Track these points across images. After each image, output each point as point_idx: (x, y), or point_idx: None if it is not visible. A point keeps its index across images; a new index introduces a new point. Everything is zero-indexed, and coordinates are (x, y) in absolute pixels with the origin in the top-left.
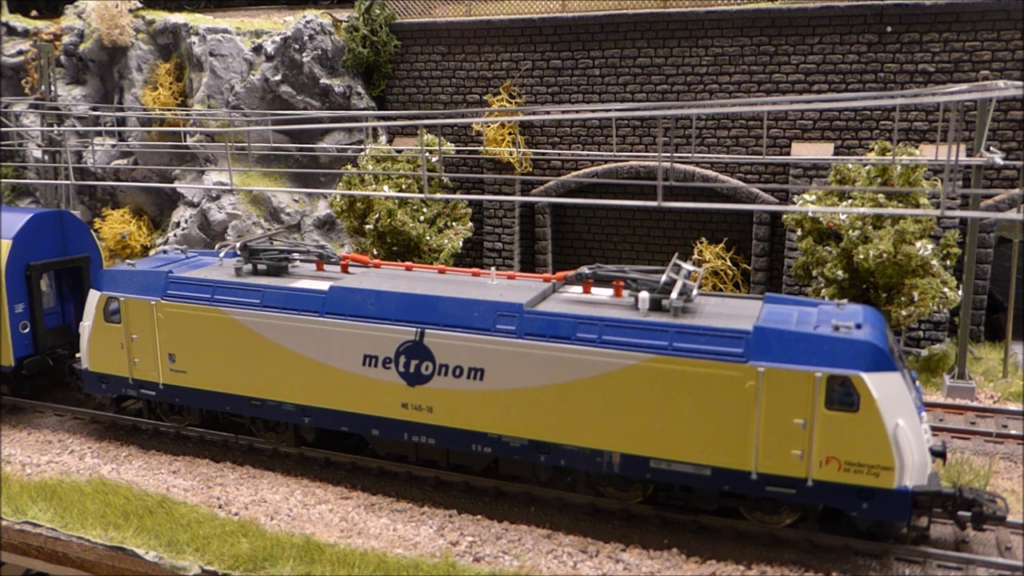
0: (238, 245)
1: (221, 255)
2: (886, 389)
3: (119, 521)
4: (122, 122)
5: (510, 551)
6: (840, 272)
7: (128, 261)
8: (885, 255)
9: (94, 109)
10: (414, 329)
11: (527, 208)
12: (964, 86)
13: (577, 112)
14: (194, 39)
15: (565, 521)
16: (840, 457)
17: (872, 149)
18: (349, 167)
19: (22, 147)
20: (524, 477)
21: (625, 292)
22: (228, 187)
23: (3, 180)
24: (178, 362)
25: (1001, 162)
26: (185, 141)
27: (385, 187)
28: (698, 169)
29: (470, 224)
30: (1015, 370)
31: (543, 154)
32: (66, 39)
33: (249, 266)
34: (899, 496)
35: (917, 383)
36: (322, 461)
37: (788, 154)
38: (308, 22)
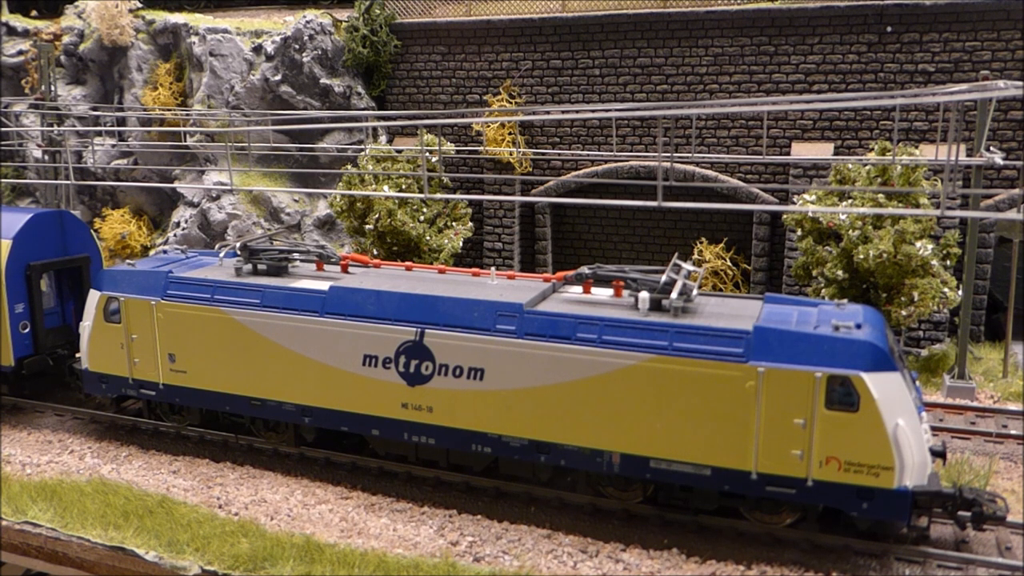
0: (238, 245)
1: (221, 255)
2: (886, 389)
3: (119, 521)
4: (122, 122)
5: (510, 551)
6: (840, 272)
7: (128, 261)
8: (885, 255)
9: (94, 109)
10: (414, 329)
11: (527, 208)
12: (964, 86)
13: (577, 112)
14: (194, 39)
15: (565, 521)
16: (840, 457)
17: (872, 149)
18: (349, 167)
19: (22, 147)
20: (524, 477)
21: (625, 292)
22: (228, 187)
23: (3, 180)
24: (178, 362)
25: (1001, 162)
26: (185, 141)
27: (385, 187)
28: (698, 169)
29: (470, 224)
30: (1015, 370)
31: (543, 154)
32: (66, 39)
33: (249, 266)
34: (899, 496)
35: (917, 383)
36: (322, 461)
37: (788, 154)
38: (308, 22)
